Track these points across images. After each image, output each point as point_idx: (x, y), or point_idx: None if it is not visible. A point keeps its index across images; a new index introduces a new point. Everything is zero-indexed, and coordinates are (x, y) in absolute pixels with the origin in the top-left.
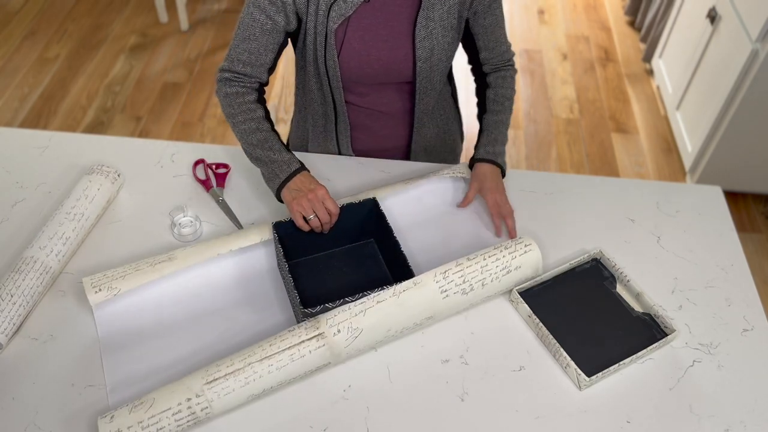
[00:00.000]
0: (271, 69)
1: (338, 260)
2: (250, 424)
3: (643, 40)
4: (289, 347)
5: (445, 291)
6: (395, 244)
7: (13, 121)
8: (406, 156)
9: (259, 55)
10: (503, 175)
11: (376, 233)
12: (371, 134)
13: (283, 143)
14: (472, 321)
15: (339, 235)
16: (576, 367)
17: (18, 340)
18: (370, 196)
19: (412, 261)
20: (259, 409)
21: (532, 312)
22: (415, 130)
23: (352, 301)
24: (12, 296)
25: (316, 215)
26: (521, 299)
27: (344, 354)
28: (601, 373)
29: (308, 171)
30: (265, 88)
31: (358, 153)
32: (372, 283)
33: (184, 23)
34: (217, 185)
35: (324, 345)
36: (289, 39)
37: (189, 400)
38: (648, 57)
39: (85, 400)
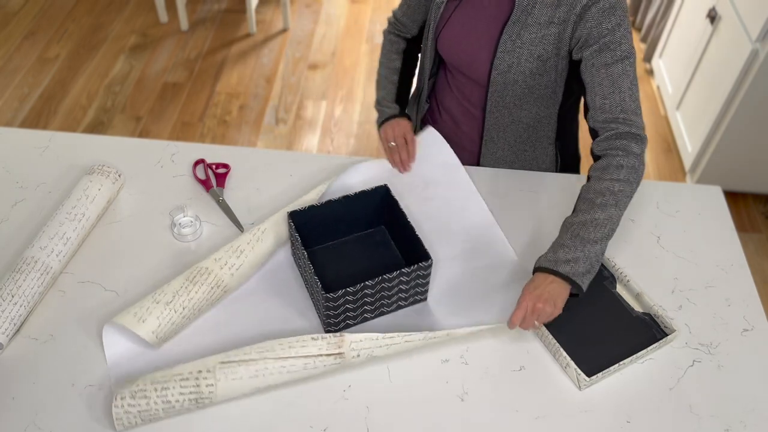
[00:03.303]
0: (423, 28)
1: (351, 247)
2: (250, 423)
3: (643, 40)
4: (307, 356)
5: (468, 342)
6: (409, 229)
7: (13, 121)
8: (477, 164)
9: (413, 12)
10: (577, 291)
11: (386, 220)
12: (455, 123)
13: (398, 94)
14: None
15: (351, 223)
16: (576, 367)
17: (18, 340)
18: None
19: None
20: (259, 409)
21: None
22: (485, 142)
23: (372, 285)
24: (13, 296)
25: (397, 145)
26: None
27: (352, 366)
28: (601, 373)
29: (402, 116)
30: (420, 47)
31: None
32: (385, 269)
33: (184, 23)
34: (217, 185)
35: (340, 363)
36: None
37: (200, 372)
38: (648, 57)
39: (85, 400)
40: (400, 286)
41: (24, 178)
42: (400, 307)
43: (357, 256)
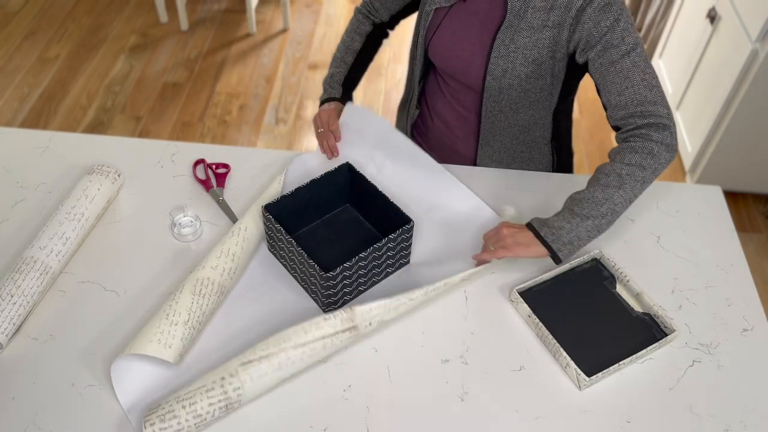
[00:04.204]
0: (395, 17)
1: (324, 230)
2: (249, 423)
3: (643, 40)
4: (324, 337)
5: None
6: (380, 199)
7: (13, 121)
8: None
9: (387, 0)
10: (556, 259)
11: (351, 198)
12: (449, 128)
13: (348, 76)
14: (472, 321)
15: (319, 206)
16: (576, 367)
17: (18, 340)
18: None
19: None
20: (258, 409)
21: (532, 312)
22: (480, 146)
23: (365, 257)
24: (12, 296)
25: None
26: (521, 299)
27: (367, 336)
28: (601, 373)
29: (341, 102)
30: (389, 32)
31: (431, 141)
32: (363, 244)
33: (184, 23)
34: (217, 185)
35: (355, 335)
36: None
37: (223, 379)
38: (648, 57)
39: (85, 400)
40: (388, 253)
41: (24, 178)
42: (388, 274)
43: (332, 237)
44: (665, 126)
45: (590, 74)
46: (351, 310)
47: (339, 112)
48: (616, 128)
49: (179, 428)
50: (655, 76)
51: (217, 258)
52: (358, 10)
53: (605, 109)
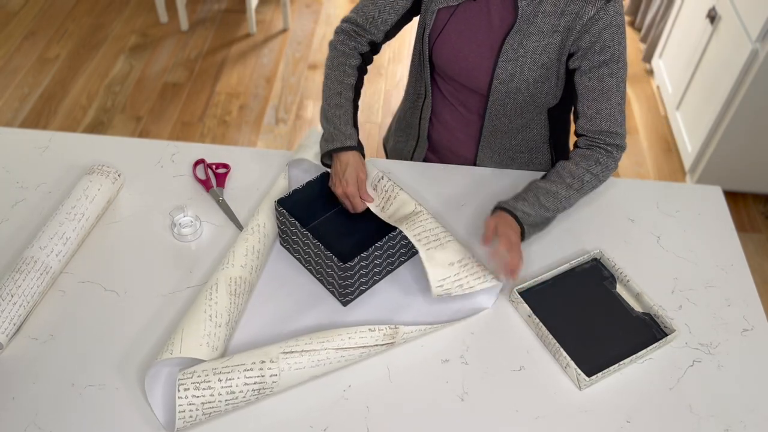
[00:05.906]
0: (389, 33)
1: (333, 223)
2: (250, 423)
3: (643, 40)
4: (365, 346)
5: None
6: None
7: (13, 121)
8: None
9: (382, 12)
10: (522, 237)
11: None
12: (448, 130)
13: (354, 117)
14: (472, 321)
15: (327, 200)
16: (576, 367)
17: (18, 340)
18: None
19: None
20: (259, 409)
21: (532, 312)
22: (481, 147)
23: (381, 246)
24: (12, 296)
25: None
26: (521, 299)
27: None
28: (601, 373)
29: (361, 151)
30: (373, 57)
31: (431, 143)
32: (373, 235)
33: (184, 23)
34: (217, 185)
35: (388, 348)
36: (416, 17)
37: (263, 362)
38: (648, 57)
39: (85, 400)
40: (402, 242)
41: (24, 178)
42: (401, 263)
43: (342, 229)
44: (623, 147)
45: (575, 81)
46: (395, 328)
47: (364, 166)
48: (581, 134)
49: (211, 400)
50: (625, 98)
51: (245, 256)
52: (336, 44)
53: (576, 114)
